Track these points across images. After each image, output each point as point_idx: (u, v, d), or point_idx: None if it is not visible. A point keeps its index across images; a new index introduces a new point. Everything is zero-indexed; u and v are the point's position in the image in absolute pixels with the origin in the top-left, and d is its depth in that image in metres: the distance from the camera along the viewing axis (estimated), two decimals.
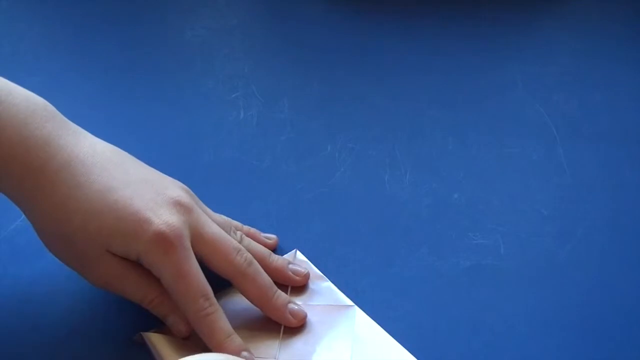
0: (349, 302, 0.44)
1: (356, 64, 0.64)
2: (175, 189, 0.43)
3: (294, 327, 0.43)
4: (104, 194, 0.40)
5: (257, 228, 0.48)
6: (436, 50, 0.65)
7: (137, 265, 0.41)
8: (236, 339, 0.40)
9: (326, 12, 0.70)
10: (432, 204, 0.51)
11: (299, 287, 0.45)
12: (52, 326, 0.44)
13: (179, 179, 0.45)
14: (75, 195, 0.40)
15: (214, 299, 0.41)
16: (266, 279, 0.43)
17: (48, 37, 0.68)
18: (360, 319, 0.43)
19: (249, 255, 0.42)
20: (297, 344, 0.42)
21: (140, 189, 0.41)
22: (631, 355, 0.42)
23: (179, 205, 0.41)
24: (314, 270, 0.46)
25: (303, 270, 0.46)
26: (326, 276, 0.46)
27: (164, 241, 0.39)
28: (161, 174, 0.44)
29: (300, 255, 0.47)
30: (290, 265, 0.45)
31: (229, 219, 0.46)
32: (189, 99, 0.61)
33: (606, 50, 0.65)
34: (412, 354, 0.41)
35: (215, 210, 0.45)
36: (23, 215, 0.42)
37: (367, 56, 0.65)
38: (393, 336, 0.43)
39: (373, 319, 0.44)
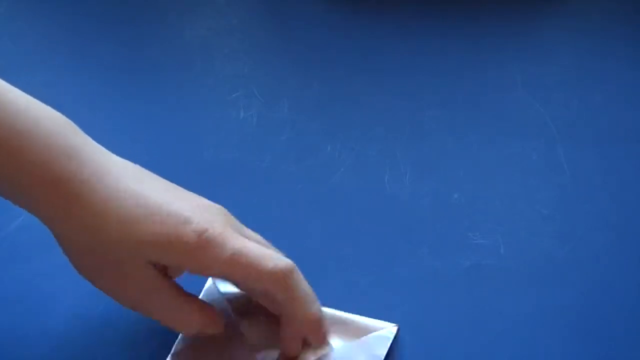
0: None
1: (356, 64, 0.64)
2: (204, 199, 0.41)
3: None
4: (139, 200, 0.38)
5: (257, 229, 0.48)
6: (436, 50, 0.65)
7: (173, 283, 0.39)
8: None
9: (326, 12, 0.70)
10: (432, 204, 0.51)
11: None
12: (53, 326, 0.44)
13: (179, 179, 0.44)
14: (109, 204, 0.38)
15: (285, 257, 0.39)
16: (307, 288, 0.41)
17: (48, 37, 0.68)
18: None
19: (286, 262, 0.40)
20: None
21: (174, 194, 0.40)
22: (631, 355, 0.42)
23: (216, 208, 0.40)
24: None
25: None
26: (325, 276, 0.46)
27: (205, 242, 0.37)
28: (189, 192, 0.42)
29: None
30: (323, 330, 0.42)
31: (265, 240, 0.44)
32: (189, 99, 0.61)
33: (607, 50, 0.65)
34: (411, 353, 0.41)
35: None
36: (23, 215, 0.41)
37: (367, 56, 0.65)
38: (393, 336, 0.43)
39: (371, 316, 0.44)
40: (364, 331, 0.43)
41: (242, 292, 0.44)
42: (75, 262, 0.39)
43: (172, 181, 0.43)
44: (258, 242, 0.41)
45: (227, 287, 0.44)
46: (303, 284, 0.40)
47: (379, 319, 0.43)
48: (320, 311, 0.41)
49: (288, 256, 0.41)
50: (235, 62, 0.65)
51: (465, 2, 0.70)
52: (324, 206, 0.51)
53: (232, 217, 0.41)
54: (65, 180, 0.37)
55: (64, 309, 0.45)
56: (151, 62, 0.65)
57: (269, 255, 0.39)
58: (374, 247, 0.48)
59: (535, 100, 0.60)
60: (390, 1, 0.71)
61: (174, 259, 0.38)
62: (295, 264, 0.40)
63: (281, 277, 0.39)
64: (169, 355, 0.42)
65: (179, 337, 0.43)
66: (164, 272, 0.39)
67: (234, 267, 0.38)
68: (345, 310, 0.44)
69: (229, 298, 0.44)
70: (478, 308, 0.45)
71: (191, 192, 0.42)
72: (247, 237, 0.40)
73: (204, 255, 0.37)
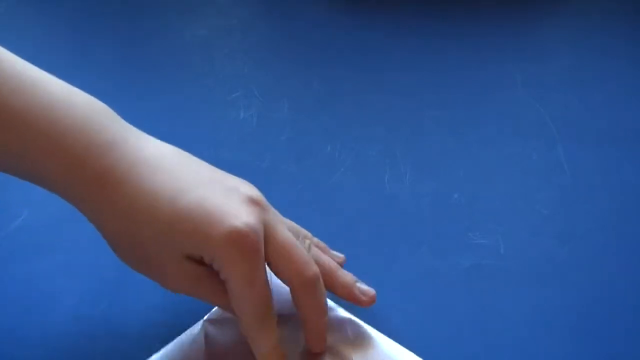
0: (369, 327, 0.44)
1: (356, 64, 0.64)
2: (246, 186, 0.41)
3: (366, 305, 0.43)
4: (174, 199, 0.38)
5: None
6: (436, 50, 0.65)
7: (213, 273, 0.39)
8: (279, 353, 0.39)
9: (326, 12, 0.70)
10: (432, 204, 0.51)
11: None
12: (53, 326, 0.44)
13: None
14: (144, 202, 0.37)
15: (273, 309, 0.39)
16: (324, 300, 0.41)
17: (48, 37, 0.68)
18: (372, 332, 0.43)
19: (318, 271, 0.40)
20: None
21: (210, 189, 0.39)
22: (631, 355, 0.42)
23: (254, 203, 0.39)
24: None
25: (371, 291, 0.44)
26: None
27: (242, 242, 0.37)
28: (228, 174, 0.42)
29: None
30: (358, 284, 0.44)
31: (299, 226, 0.45)
32: (189, 99, 0.61)
33: (606, 50, 0.65)
34: (412, 353, 0.41)
35: None
36: (23, 215, 0.42)
37: (367, 56, 0.65)
38: (393, 336, 0.43)
39: (373, 319, 0.43)
40: None
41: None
42: (118, 253, 0.40)
43: None
44: (291, 230, 0.42)
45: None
46: (321, 295, 0.41)
47: (379, 319, 0.43)
48: (326, 323, 0.42)
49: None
50: (235, 62, 0.65)
51: (465, 2, 0.70)
52: (324, 206, 0.51)
53: (267, 205, 0.41)
54: (100, 177, 0.37)
55: (64, 308, 0.45)
56: (151, 62, 0.65)
57: (300, 258, 0.40)
58: (374, 247, 0.48)
59: (535, 100, 0.60)
60: (390, 1, 0.71)
61: (207, 256, 0.38)
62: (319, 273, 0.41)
63: (310, 284, 0.40)
64: (202, 320, 0.43)
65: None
66: (205, 264, 0.39)
67: (250, 282, 0.38)
68: (346, 310, 0.44)
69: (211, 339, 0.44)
70: (478, 308, 0.45)
71: (230, 176, 0.41)
72: (280, 225, 0.40)
73: (235, 253, 0.37)
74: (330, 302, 0.44)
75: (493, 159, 0.55)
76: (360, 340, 0.43)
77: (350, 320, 0.43)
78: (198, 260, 0.39)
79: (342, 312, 0.44)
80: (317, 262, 0.41)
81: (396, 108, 0.59)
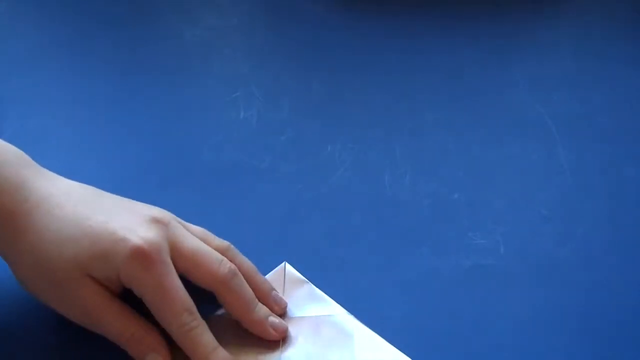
0: (340, 309, 0.44)
1: (356, 64, 0.64)
2: (153, 209, 0.43)
3: (275, 340, 0.42)
4: (79, 222, 0.40)
5: (256, 228, 0.48)
6: (436, 50, 0.65)
7: (117, 298, 0.41)
8: (221, 352, 0.40)
9: (326, 12, 0.70)
10: (432, 204, 0.51)
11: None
12: (53, 325, 0.44)
13: (179, 179, 0.45)
14: (50, 227, 0.40)
15: (197, 313, 0.40)
16: (248, 291, 0.42)
17: (47, 37, 0.68)
18: (355, 326, 0.43)
19: (233, 266, 0.42)
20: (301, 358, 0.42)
21: (115, 213, 0.41)
22: (631, 355, 0.42)
23: (156, 221, 0.41)
24: (300, 277, 0.46)
25: (284, 303, 0.44)
26: (325, 277, 0.46)
27: (142, 256, 0.39)
28: (138, 202, 0.44)
29: (289, 268, 0.46)
30: (274, 293, 0.44)
31: (208, 232, 0.45)
32: (188, 99, 0.61)
33: (607, 50, 0.65)
34: (412, 354, 0.41)
35: (214, 211, 0.45)
36: None
37: (367, 56, 0.65)
38: (393, 336, 0.43)
39: (373, 320, 0.44)
40: None
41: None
42: (27, 287, 0.42)
43: (173, 181, 0.43)
44: (201, 237, 0.43)
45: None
46: (245, 288, 0.42)
47: (379, 319, 0.43)
48: (263, 313, 0.42)
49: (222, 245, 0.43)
50: (235, 62, 0.65)
51: (466, 3, 0.70)
52: (323, 206, 0.51)
53: (172, 222, 0.42)
54: (10, 215, 0.40)
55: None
56: (151, 62, 0.65)
57: (210, 260, 0.41)
58: (373, 247, 0.48)
59: (535, 100, 0.60)
60: (390, 1, 0.71)
61: (112, 275, 0.40)
62: (235, 267, 0.42)
63: (226, 281, 0.41)
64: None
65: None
66: (109, 288, 0.41)
67: (160, 288, 0.40)
68: (344, 308, 0.44)
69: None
70: (478, 308, 0.45)
71: (140, 204, 0.43)
72: (185, 236, 0.42)
73: (138, 267, 0.39)
74: (326, 297, 0.45)
75: (493, 159, 0.55)
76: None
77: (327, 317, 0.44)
78: (106, 288, 0.40)
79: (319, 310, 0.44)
80: (235, 263, 0.43)
81: (396, 108, 0.59)
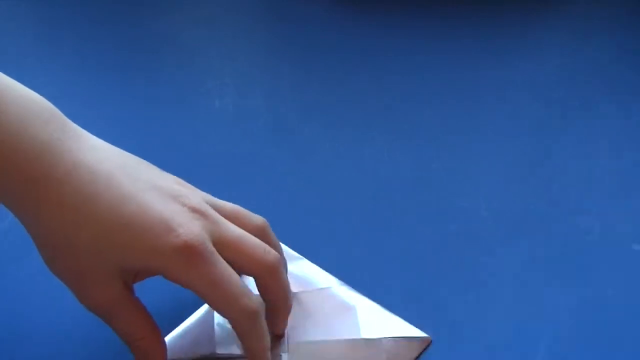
0: (338, 281, 0.45)
1: (355, 64, 0.64)
2: (188, 191, 0.40)
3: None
4: (115, 208, 0.37)
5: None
6: (435, 50, 0.65)
7: (137, 299, 0.39)
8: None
9: (326, 12, 0.70)
10: (433, 204, 0.51)
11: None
12: (53, 326, 0.44)
13: (180, 177, 0.44)
14: (83, 208, 0.36)
15: (255, 296, 0.39)
16: (288, 282, 0.42)
17: (47, 37, 0.68)
18: (355, 297, 0.44)
19: (277, 255, 0.41)
20: (306, 333, 0.43)
21: (152, 197, 0.38)
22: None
23: (196, 211, 0.39)
24: (295, 254, 0.47)
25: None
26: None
27: (190, 252, 0.37)
28: (167, 174, 0.42)
29: (283, 246, 0.46)
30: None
31: (241, 208, 0.43)
32: (188, 99, 0.61)
33: (606, 50, 0.65)
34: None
35: None
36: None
37: (366, 55, 0.65)
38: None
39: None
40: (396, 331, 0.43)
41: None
42: (48, 262, 0.39)
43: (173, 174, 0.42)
44: (238, 218, 0.42)
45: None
46: (286, 275, 0.42)
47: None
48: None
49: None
50: (234, 61, 0.65)
51: (465, 3, 0.70)
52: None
53: (209, 209, 0.40)
54: (37, 181, 0.36)
55: (64, 308, 0.45)
56: (150, 62, 0.65)
57: (255, 248, 0.40)
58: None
59: (535, 100, 0.60)
60: (389, 1, 0.71)
61: (152, 270, 0.38)
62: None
63: (273, 268, 0.41)
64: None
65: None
66: (131, 286, 0.39)
67: (212, 282, 0.38)
68: (342, 281, 0.45)
69: (220, 323, 0.44)
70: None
71: (169, 178, 0.41)
72: (224, 224, 0.40)
73: (186, 262, 0.37)
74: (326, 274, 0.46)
75: (493, 159, 0.55)
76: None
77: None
78: (126, 282, 0.38)
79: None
80: (270, 245, 0.42)
81: (396, 108, 0.60)
